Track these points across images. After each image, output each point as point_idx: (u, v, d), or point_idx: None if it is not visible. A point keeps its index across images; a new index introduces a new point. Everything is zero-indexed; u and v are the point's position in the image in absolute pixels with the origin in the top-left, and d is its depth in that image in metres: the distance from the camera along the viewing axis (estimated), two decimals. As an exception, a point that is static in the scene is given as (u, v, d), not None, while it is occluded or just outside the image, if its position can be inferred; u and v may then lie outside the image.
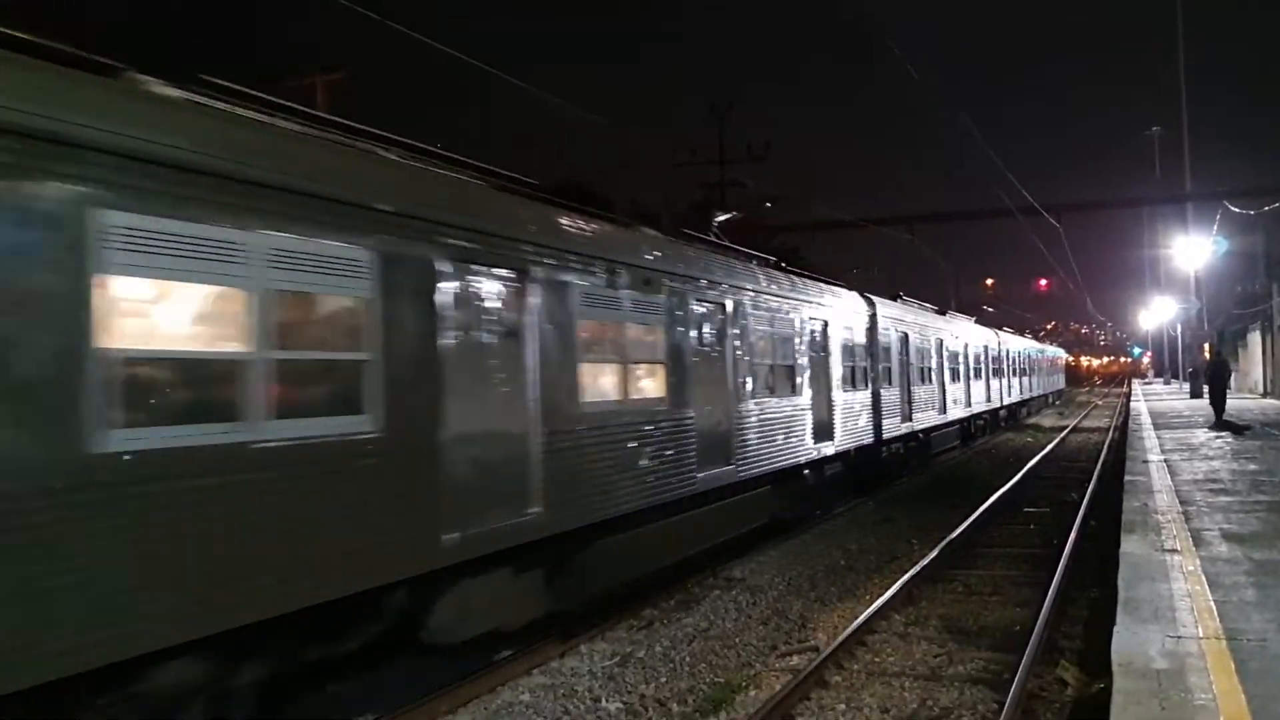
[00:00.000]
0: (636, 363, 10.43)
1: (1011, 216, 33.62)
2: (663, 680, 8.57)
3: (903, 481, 22.08)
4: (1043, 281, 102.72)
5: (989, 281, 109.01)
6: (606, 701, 8.07)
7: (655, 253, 11.05)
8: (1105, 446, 29.64)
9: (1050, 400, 61.27)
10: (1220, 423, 25.28)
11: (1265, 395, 41.12)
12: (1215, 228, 38.20)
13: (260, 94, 6.87)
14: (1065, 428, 40.39)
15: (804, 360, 15.29)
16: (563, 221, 9.42)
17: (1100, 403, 68.83)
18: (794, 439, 14.73)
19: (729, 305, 12.61)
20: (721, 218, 20.11)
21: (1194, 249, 41.23)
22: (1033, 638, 8.89)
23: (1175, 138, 45.09)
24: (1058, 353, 70.49)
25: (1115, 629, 6.93)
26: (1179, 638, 6.65)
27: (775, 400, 14.00)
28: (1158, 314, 71.09)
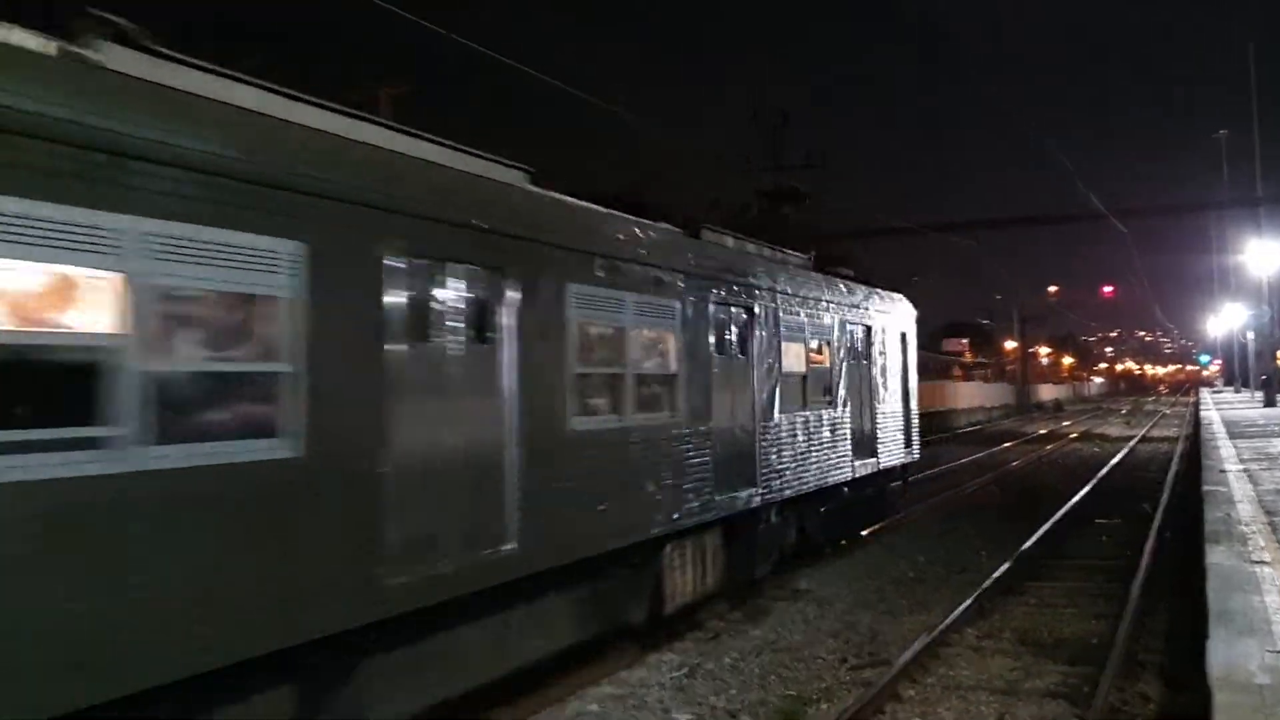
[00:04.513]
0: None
1: (1077, 222, 33.01)
2: (733, 692, 8.44)
3: (959, 490, 21.67)
4: (1108, 288, 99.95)
5: (1052, 289, 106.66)
6: (677, 713, 7.97)
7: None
8: (1176, 456, 28.87)
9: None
10: None
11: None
12: (1288, 232, 37.15)
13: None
14: (1133, 438, 39.49)
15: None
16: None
17: (1168, 411, 67.21)
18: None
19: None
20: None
21: (1266, 254, 40.13)
22: (1114, 651, 8.63)
23: (1245, 140, 43.92)
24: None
25: (1209, 642, 6.64)
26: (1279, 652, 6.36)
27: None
28: (1227, 320, 69.19)
